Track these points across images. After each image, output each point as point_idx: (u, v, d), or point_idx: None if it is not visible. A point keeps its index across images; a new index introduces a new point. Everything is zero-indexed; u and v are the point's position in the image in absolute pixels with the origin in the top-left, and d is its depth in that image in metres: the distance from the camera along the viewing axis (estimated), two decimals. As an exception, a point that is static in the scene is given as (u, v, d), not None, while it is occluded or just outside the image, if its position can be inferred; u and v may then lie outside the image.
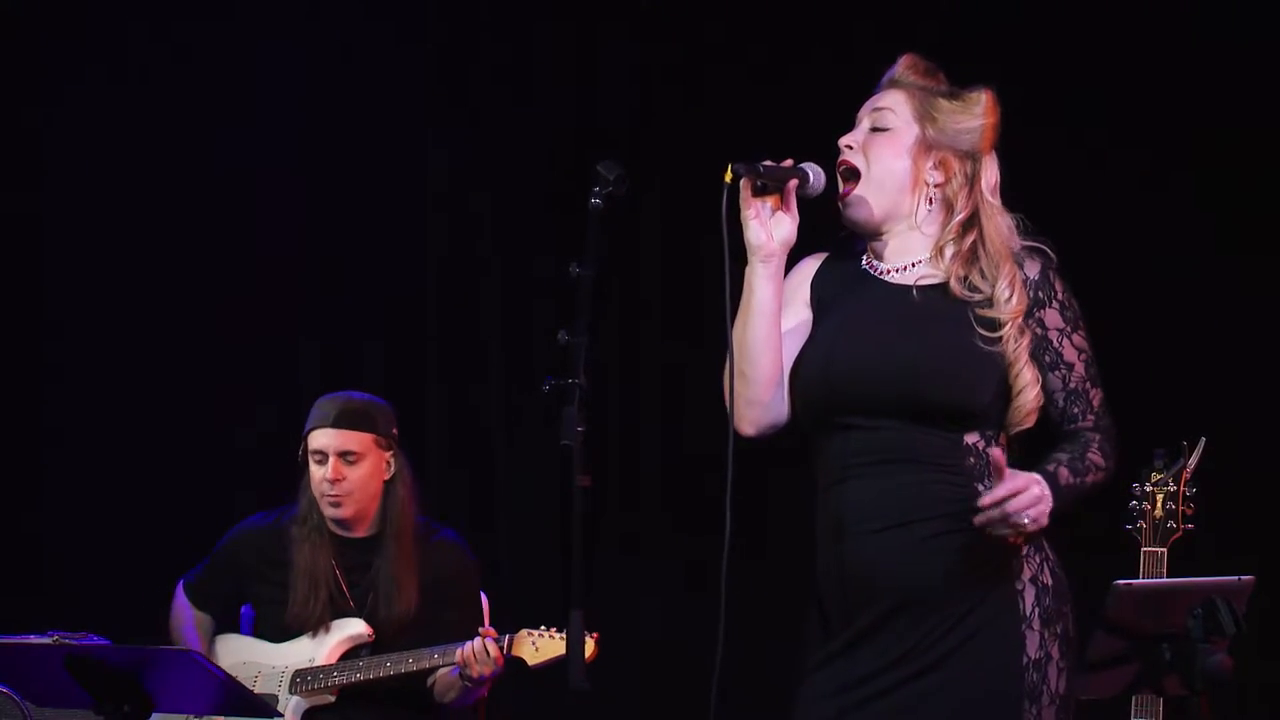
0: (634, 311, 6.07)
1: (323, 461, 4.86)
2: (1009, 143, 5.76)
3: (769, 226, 3.42)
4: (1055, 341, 3.42)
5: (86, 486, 6.23)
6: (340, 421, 4.87)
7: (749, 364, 3.42)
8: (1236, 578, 3.38)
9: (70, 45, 6.27)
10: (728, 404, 3.43)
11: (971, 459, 3.36)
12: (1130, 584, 3.42)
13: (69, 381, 6.30)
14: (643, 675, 5.93)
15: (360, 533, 4.92)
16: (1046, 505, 3.27)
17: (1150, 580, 4.15)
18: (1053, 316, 3.43)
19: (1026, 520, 3.24)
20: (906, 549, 3.33)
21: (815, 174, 3.45)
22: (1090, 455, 3.39)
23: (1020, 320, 3.38)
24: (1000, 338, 3.37)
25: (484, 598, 5.06)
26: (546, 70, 6.24)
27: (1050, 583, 3.39)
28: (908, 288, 3.45)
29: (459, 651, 4.65)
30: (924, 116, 3.47)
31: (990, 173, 3.49)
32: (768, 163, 3.42)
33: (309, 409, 4.96)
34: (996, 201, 3.49)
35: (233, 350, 6.22)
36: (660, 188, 5.89)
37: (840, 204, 3.48)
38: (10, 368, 6.25)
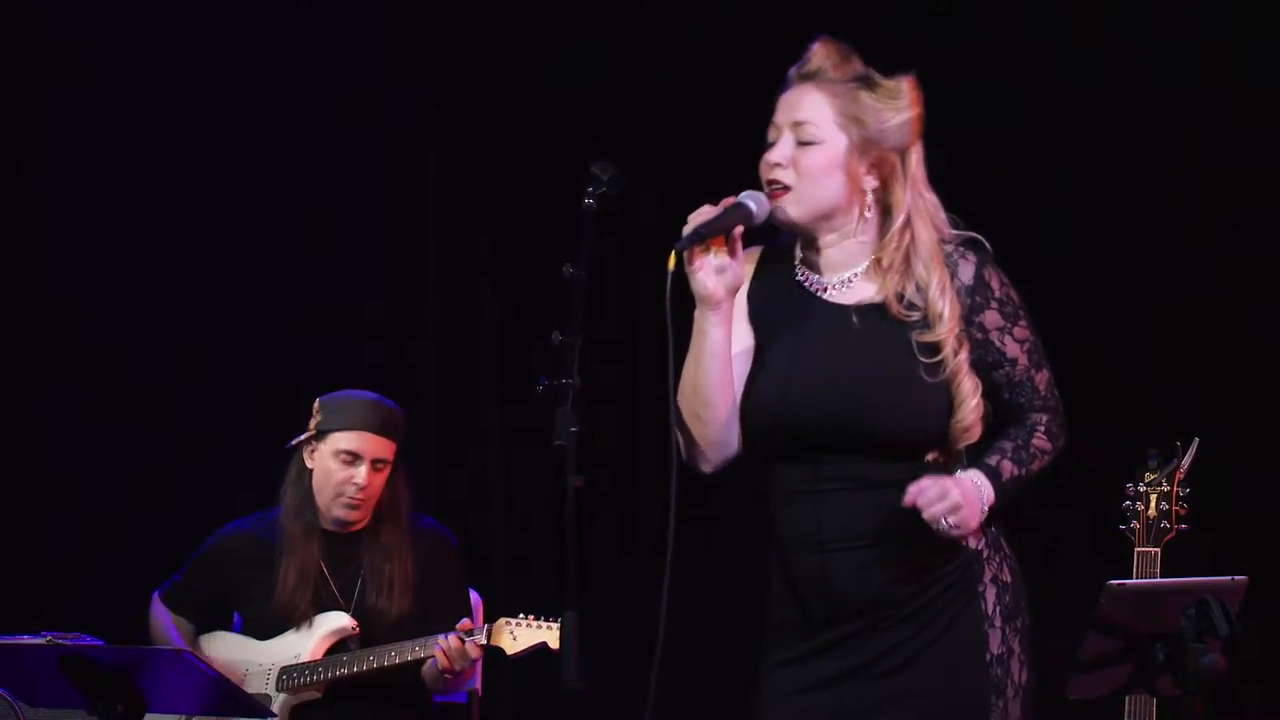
0: (633, 311, 6.07)
1: (351, 463, 4.84)
2: (1001, 144, 5.78)
3: (714, 277, 3.32)
4: (997, 341, 3.36)
5: (82, 486, 6.22)
6: (381, 428, 4.86)
7: (704, 406, 3.36)
8: (1230, 578, 3.39)
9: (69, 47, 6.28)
10: (679, 448, 3.38)
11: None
12: (1124, 584, 3.42)
13: (67, 381, 6.29)
14: (642, 675, 5.92)
15: (352, 529, 4.92)
16: (969, 509, 3.23)
17: (1144, 580, 4.15)
18: (992, 317, 3.37)
19: (950, 523, 3.21)
20: (870, 566, 3.31)
21: (758, 204, 3.33)
22: (1035, 441, 3.36)
23: (956, 334, 3.32)
24: (941, 362, 3.31)
25: (475, 596, 5.05)
26: (545, 70, 6.24)
27: (1009, 580, 3.38)
28: (847, 309, 3.37)
29: (437, 648, 4.65)
30: (850, 119, 3.34)
31: (919, 163, 3.38)
32: (706, 212, 3.31)
33: (309, 407, 4.95)
34: (932, 196, 3.40)
35: (232, 350, 6.21)
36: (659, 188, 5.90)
37: (771, 202, 3.35)
38: (9, 368, 6.24)
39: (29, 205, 6.30)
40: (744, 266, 3.37)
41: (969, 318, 3.35)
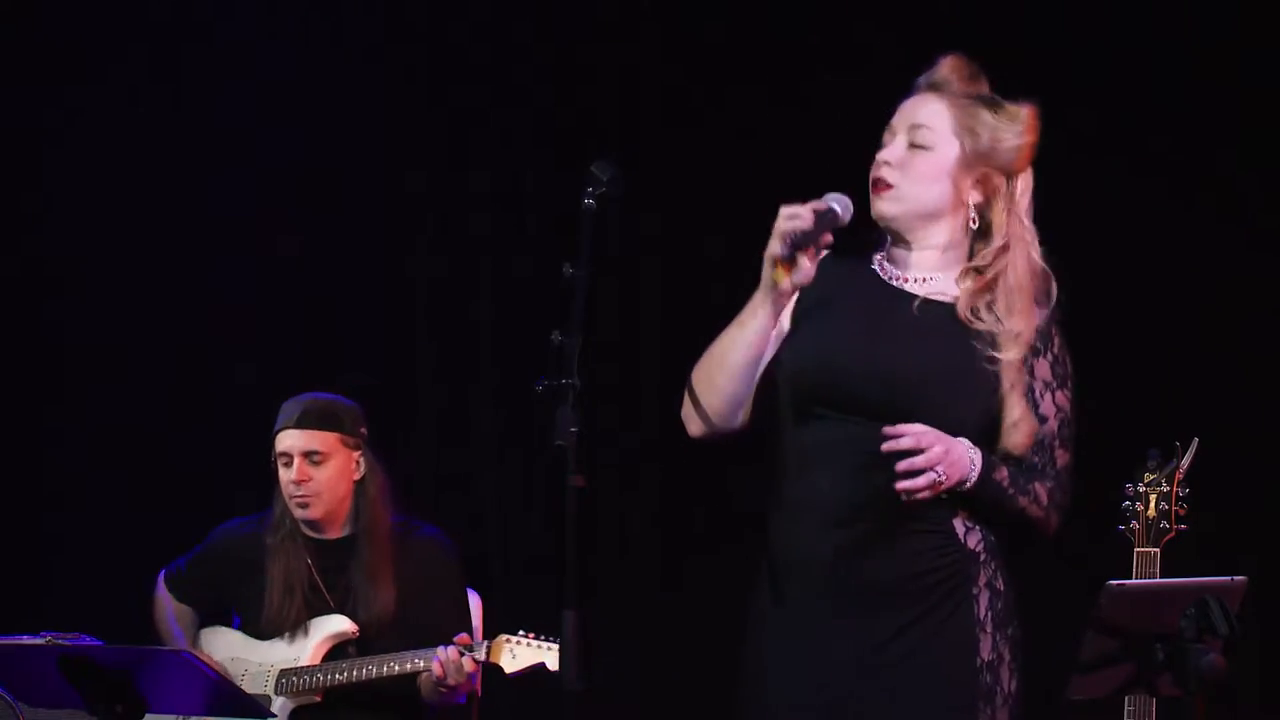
0: (633, 311, 6.07)
1: (289, 463, 4.84)
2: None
3: (790, 276, 3.34)
4: (1038, 393, 3.38)
5: (82, 486, 6.22)
6: (304, 421, 4.84)
7: (725, 377, 3.40)
8: (1229, 578, 3.39)
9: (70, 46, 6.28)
10: (689, 404, 3.42)
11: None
12: (1123, 584, 3.42)
13: (67, 382, 6.29)
14: (642, 675, 5.93)
15: (334, 534, 4.90)
16: (959, 468, 3.25)
17: (1143, 581, 4.15)
18: (1043, 368, 3.40)
19: (937, 472, 3.22)
20: (870, 544, 3.33)
21: (843, 206, 3.36)
22: (1037, 485, 3.38)
23: (1022, 360, 3.35)
24: (1001, 368, 3.33)
25: (476, 597, 5.05)
26: (544, 69, 6.24)
27: (1002, 588, 3.41)
28: (913, 297, 3.41)
29: (434, 661, 4.64)
30: (965, 129, 3.40)
31: (1025, 193, 3.44)
32: (802, 218, 3.30)
33: (344, 403, 4.95)
34: (1030, 225, 3.44)
35: (231, 351, 6.22)
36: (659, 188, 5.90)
37: (874, 196, 3.41)
38: (9, 368, 6.24)
39: (29, 205, 6.31)
40: (814, 272, 3.37)
41: (1025, 356, 3.37)
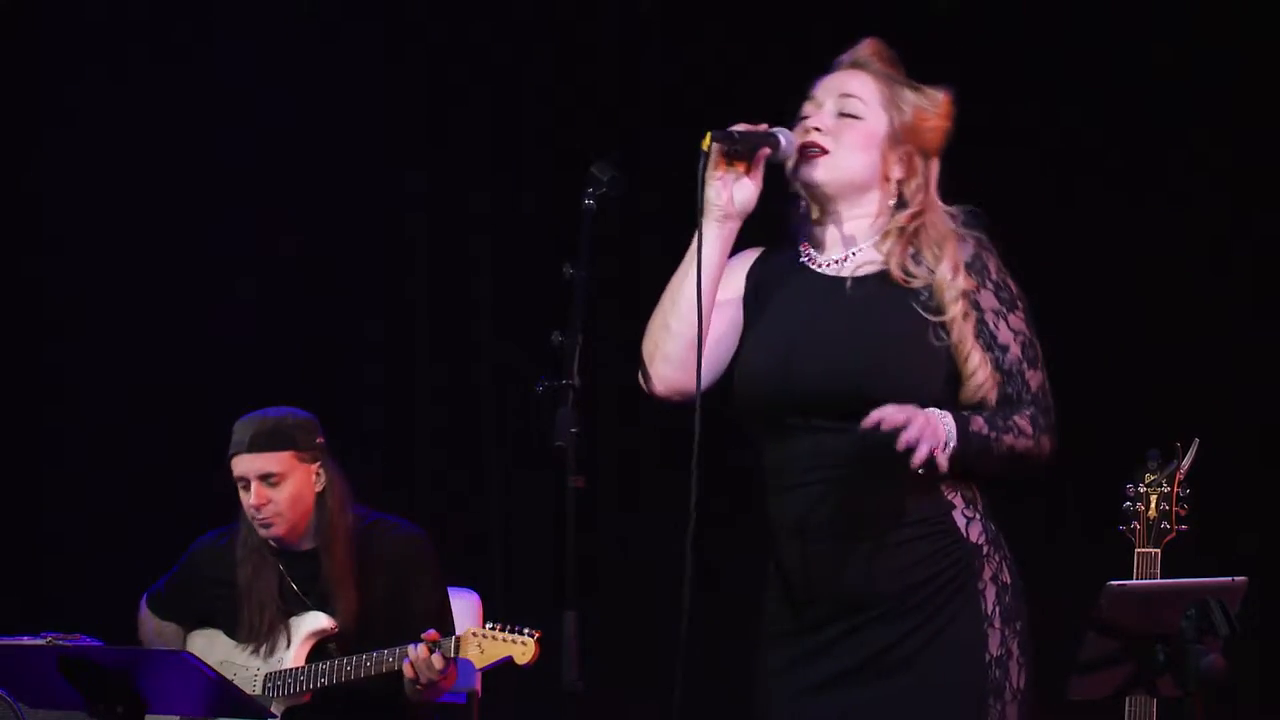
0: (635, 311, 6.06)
1: (247, 487, 4.81)
2: (999, 145, 5.78)
3: (731, 189, 3.38)
4: (991, 323, 3.36)
5: (82, 488, 6.22)
6: (256, 444, 4.80)
7: (676, 318, 3.39)
8: (1230, 579, 3.39)
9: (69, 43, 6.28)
10: (644, 357, 3.42)
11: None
12: (1124, 585, 3.42)
13: (67, 382, 6.29)
14: (640, 676, 5.92)
15: (304, 546, 4.85)
16: (939, 435, 3.21)
17: (1144, 581, 4.15)
18: (987, 297, 3.37)
19: (921, 444, 3.17)
20: (871, 555, 3.31)
21: (787, 139, 3.39)
22: (1016, 418, 3.33)
23: (965, 301, 3.33)
24: (948, 322, 3.32)
25: (475, 597, 5.03)
26: (543, 70, 6.24)
27: (1009, 581, 3.38)
28: (843, 280, 3.40)
29: (405, 662, 4.62)
30: (892, 104, 3.42)
31: (936, 175, 3.45)
32: (742, 127, 3.38)
33: (297, 417, 4.94)
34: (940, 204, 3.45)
35: (231, 351, 6.21)
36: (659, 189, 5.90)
37: (800, 163, 3.41)
38: (8, 368, 6.24)
39: (27, 208, 6.31)
40: (754, 202, 3.39)
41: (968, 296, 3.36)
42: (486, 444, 6.26)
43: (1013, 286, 3.41)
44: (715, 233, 3.39)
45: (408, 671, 4.59)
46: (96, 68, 6.28)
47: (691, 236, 3.39)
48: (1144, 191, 5.62)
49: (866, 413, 3.22)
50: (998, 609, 3.36)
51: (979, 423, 3.29)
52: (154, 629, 5.01)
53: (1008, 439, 3.32)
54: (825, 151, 3.39)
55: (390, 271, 6.34)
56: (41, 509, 6.26)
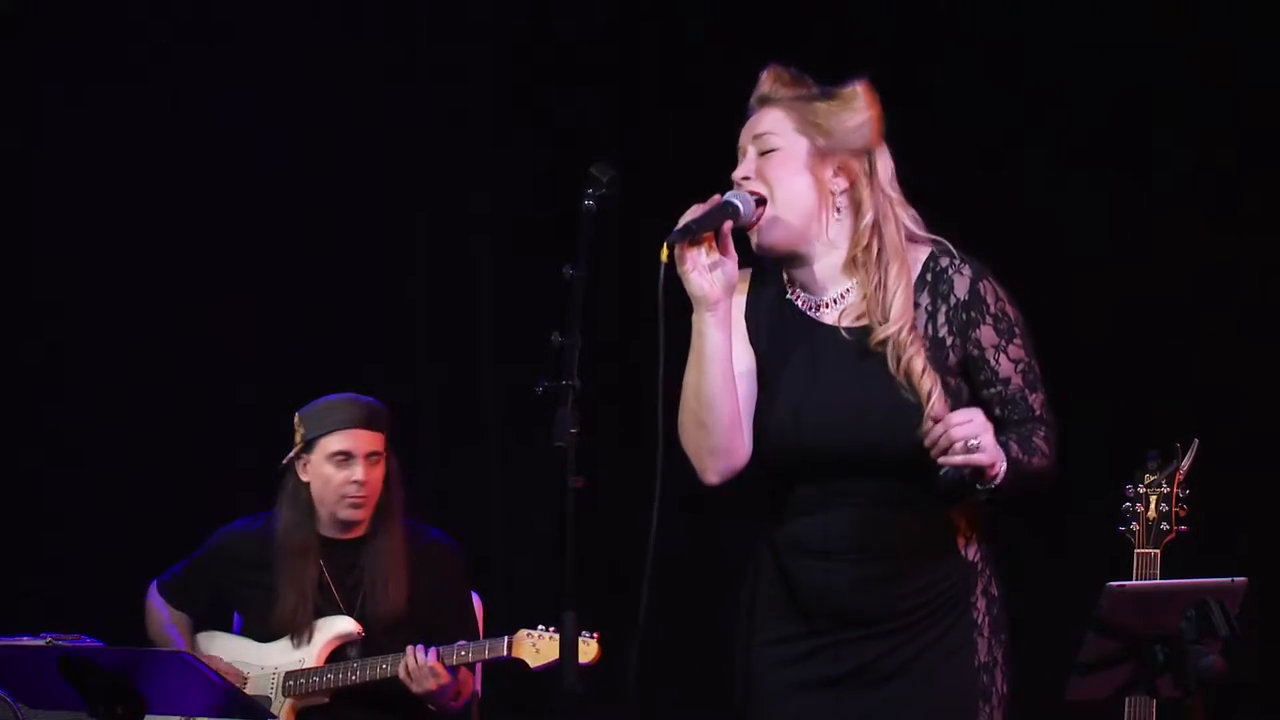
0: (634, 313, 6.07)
1: (345, 463, 4.84)
2: (997, 146, 5.78)
3: (708, 276, 3.34)
4: (991, 360, 3.38)
5: (82, 488, 6.22)
6: (367, 422, 4.87)
7: (708, 412, 3.37)
8: (1229, 579, 3.39)
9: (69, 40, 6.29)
10: (690, 455, 3.39)
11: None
12: (1123, 585, 3.42)
13: (67, 382, 6.29)
14: (642, 677, 5.92)
15: (352, 534, 4.91)
16: (991, 436, 3.21)
17: (1143, 582, 4.15)
18: (987, 334, 3.38)
19: (978, 445, 3.18)
20: (885, 578, 3.36)
21: (744, 202, 3.36)
22: (1035, 440, 3.35)
23: (905, 331, 3.31)
24: (902, 373, 3.30)
25: (476, 600, 5.05)
26: (543, 69, 6.24)
27: (996, 594, 3.46)
28: (839, 330, 3.40)
29: (400, 665, 4.64)
30: (807, 125, 3.39)
31: (885, 164, 3.42)
32: (695, 210, 3.34)
33: (300, 414, 4.94)
34: (897, 194, 3.43)
35: (231, 351, 6.22)
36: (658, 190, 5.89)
37: (753, 233, 3.39)
38: (8, 368, 6.24)
39: (25, 209, 6.31)
40: (738, 271, 3.38)
41: (964, 333, 3.37)
42: (487, 444, 6.26)
43: (1010, 312, 3.41)
44: (712, 321, 3.36)
45: (400, 673, 4.62)
46: (97, 68, 6.29)
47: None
48: (1144, 191, 5.62)
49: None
50: (987, 619, 3.43)
51: (1014, 448, 3.31)
52: (169, 617, 5.02)
53: (1035, 461, 3.35)
54: (764, 200, 3.37)
55: (390, 271, 6.34)
56: (44, 508, 6.25)
